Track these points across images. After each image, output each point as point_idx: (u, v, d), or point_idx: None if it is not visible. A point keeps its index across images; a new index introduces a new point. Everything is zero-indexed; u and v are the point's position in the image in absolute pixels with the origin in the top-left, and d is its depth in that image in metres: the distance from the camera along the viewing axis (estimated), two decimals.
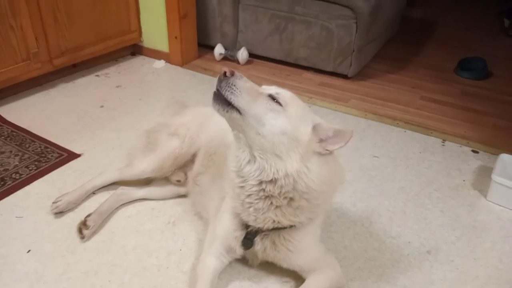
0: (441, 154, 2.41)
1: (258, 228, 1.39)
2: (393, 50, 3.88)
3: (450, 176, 2.22)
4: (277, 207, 1.32)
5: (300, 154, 1.24)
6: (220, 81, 1.21)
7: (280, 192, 1.28)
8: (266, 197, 1.31)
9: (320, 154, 1.27)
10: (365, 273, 1.63)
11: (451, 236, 1.83)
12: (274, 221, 1.35)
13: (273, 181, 1.27)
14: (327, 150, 1.27)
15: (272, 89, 1.29)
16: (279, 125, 1.21)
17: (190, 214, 1.86)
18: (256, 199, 1.32)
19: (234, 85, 1.20)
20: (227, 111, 1.21)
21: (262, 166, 1.25)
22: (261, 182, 1.28)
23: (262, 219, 1.36)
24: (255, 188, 1.30)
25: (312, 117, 1.30)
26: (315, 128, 1.28)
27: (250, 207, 1.34)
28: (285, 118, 1.22)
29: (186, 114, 1.99)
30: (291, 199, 1.30)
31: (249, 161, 1.28)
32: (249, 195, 1.32)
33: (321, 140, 1.28)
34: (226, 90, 1.19)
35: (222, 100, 1.21)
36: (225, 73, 1.20)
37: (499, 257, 1.74)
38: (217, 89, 1.21)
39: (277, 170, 1.25)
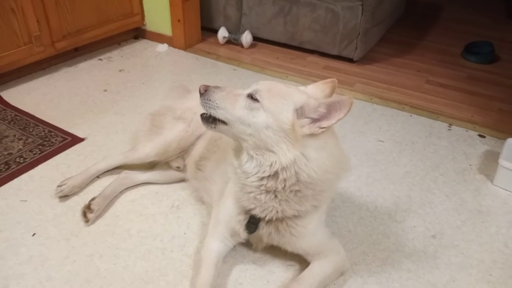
0: (447, 139, 2.39)
1: (260, 217, 1.39)
2: (399, 34, 3.82)
3: (456, 161, 2.20)
4: (281, 199, 1.32)
5: (289, 142, 1.23)
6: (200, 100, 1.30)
7: (285, 186, 1.28)
8: (268, 191, 1.31)
9: (314, 136, 1.24)
10: (369, 257, 1.63)
11: (457, 221, 1.82)
12: (277, 211, 1.35)
13: (272, 176, 1.28)
14: (322, 128, 1.22)
15: (252, 87, 1.28)
16: (260, 121, 1.23)
17: (194, 198, 1.86)
18: (256, 190, 1.33)
19: (209, 100, 1.28)
20: (214, 127, 1.30)
21: (260, 162, 1.27)
22: (262, 178, 1.29)
23: (263, 208, 1.35)
24: (255, 184, 1.31)
25: (296, 100, 1.24)
26: (300, 110, 1.24)
27: (250, 192, 1.34)
28: (264, 113, 1.23)
29: (192, 99, 1.97)
30: (298, 191, 1.30)
31: (247, 161, 1.30)
32: (248, 185, 1.33)
33: (314, 120, 1.24)
34: (205, 107, 1.29)
35: (207, 118, 1.31)
36: (200, 91, 1.29)
37: (505, 241, 1.73)
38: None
39: (271, 164, 1.25)
